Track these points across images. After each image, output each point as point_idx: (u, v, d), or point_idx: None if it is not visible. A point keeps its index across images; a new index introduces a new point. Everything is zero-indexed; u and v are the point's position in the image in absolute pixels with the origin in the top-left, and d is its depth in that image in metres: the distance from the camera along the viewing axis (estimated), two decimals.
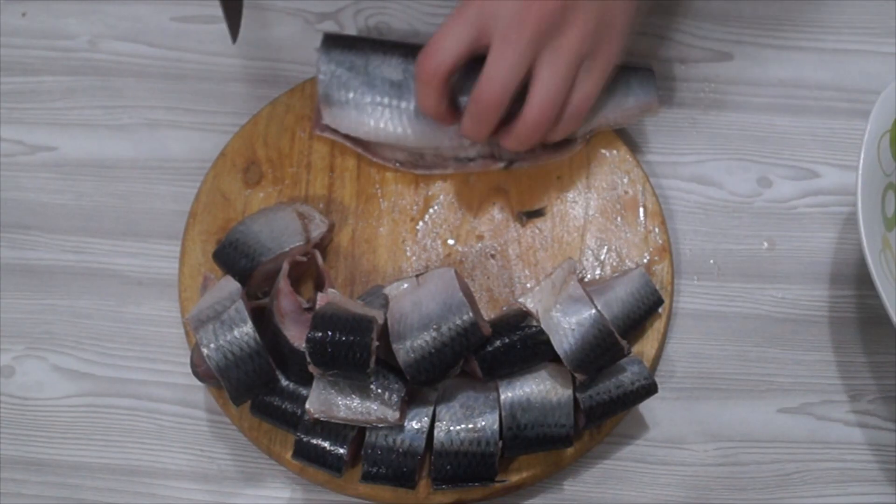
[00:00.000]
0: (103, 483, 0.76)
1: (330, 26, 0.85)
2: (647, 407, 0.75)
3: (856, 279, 0.79)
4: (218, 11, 0.86)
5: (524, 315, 0.70)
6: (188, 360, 0.71)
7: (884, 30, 0.85)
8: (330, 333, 0.65)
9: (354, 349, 0.65)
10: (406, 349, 0.67)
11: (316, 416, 0.67)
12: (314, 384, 0.68)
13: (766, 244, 0.80)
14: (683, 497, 0.75)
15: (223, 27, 0.85)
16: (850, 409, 0.76)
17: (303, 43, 0.85)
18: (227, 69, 0.85)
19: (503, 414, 0.69)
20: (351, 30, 0.85)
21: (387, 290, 0.70)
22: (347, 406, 0.67)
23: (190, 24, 0.86)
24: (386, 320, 0.68)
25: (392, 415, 0.67)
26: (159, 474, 0.76)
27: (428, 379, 0.68)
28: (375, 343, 0.65)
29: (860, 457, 0.75)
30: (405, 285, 0.70)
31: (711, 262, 0.79)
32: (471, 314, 0.67)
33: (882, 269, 0.68)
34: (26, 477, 0.76)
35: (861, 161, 0.69)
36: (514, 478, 0.72)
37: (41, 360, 0.78)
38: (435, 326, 0.67)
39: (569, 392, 0.69)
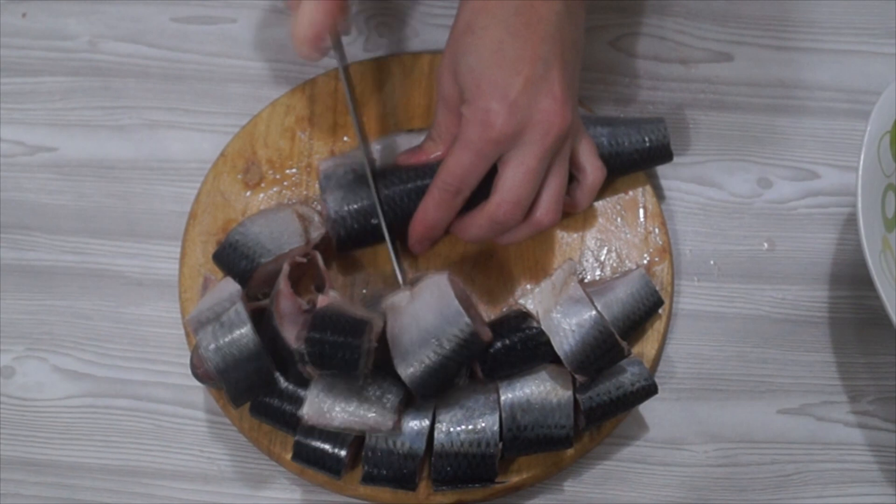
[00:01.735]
0: (103, 484, 0.76)
1: None
2: (648, 408, 0.75)
3: (856, 280, 0.78)
4: (218, 12, 0.86)
5: (524, 316, 0.70)
6: (188, 362, 0.71)
7: (884, 30, 0.84)
8: (327, 334, 0.65)
9: (344, 350, 0.65)
10: (408, 366, 0.67)
11: (311, 423, 0.67)
12: (309, 390, 0.68)
13: (766, 245, 0.80)
14: (683, 498, 0.75)
15: (223, 27, 0.86)
16: (849, 409, 0.76)
17: None
18: (227, 69, 0.85)
19: (503, 415, 0.69)
20: (351, 30, 0.85)
21: (383, 306, 0.70)
22: (343, 413, 0.67)
23: (190, 24, 0.86)
24: (385, 327, 0.68)
25: (387, 423, 0.67)
26: (159, 475, 0.76)
27: (434, 392, 0.68)
28: (371, 345, 0.65)
29: (860, 458, 0.75)
30: (402, 297, 0.69)
31: (711, 262, 0.79)
32: (469, 323, 0.67)
33: (882, 270, 0.68)
34: (26, 477, 0.76)
35: (861, 162, 0.69)
36: (514, 479, 0.72)
37: (41, 361, 0.78)
38: (435, 341, 0.66)
39: (569, 393, 0.69)
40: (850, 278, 0.79)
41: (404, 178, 0.72)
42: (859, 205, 0.68)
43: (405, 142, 0.76)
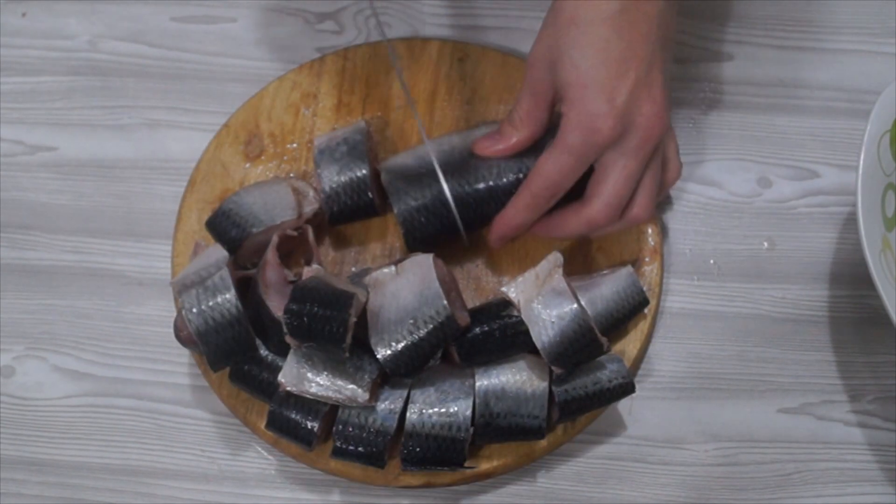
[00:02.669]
0: (103, 483, 0.76)
1: (330, 26, 0.85)
2: (648, 407, 0.76)
3: (856, 279, 0.78)
4: (217, 12, 0.86)
5: (506, 304, 0.70)
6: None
7: (884, 30, 0.84)
8: (308, 306, 0.65)
9: (331, 323, 0.65)
10: (384, 343, 0.67)
11: (288, 388, 0.68)
12: (289, 357, 0.68)
13: (766, 244, 0.80)
14: (683, 497, 0.75)
15: (223, 27, 0.86)
16: (850, 409, 0.76)
17: (303, 43, 0.85)
18: (227, 69, 0.85)
19: (476, 401, 0.69)
20: (351, 29, 0.85)
21: (367, 280, 0.70)
22: (319, 383, 0.68)
23: (190, 24, 0.86)
24: (367, 301, 0.68)
25: (362, 396, 0.67)
26: (159, 474, 0.76)
27: (406, 372, 0.68)
28: (353, 319, 0.65)
29: (860, 457, 0.75)
30: (385, 271, 0.70)
31: (712, 262, 0.79)
32: (446, 306, 0.67)
33: (882, 269, 0.68)
34: (26, 477, 0.76)
35: (861, 161, 0.69)
36: (483, 465, 0.72)
37: (41, 361, 0.78)
38: (411, 320, 0.67)
39: (544, 385, 0.69)
40: (851, 277, 0.79)
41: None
42: (859, 204, 0.68)
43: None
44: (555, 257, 0.70)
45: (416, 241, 0.73)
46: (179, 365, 0.77)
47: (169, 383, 0.77)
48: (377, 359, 0.67)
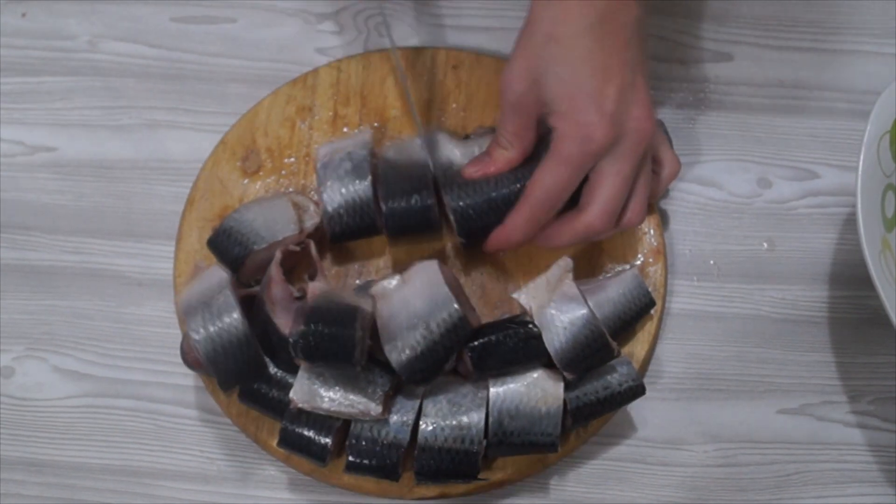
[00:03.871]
0: (103, 484, 0.76)
1: (330, 27, 0.85)
2: (648, 408, 0.76)
3: (855, 280, 0.78)
4: (217, 12, 0.86)
5: (516, 317, 0.70)
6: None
7: (884, 30, 0.84)
8: (314, 327, 0.65)
9: (338, 341, 0.65)
10: (398, 350, 0.67)
11: (300, 405, 0.67)
12: (300, 373, 0.68)
13: (765, 245, 0.80)
14: (683, 498, 0.75)
15: (223, 27, 0.86)
16: (849, 409, 0.76)
17: (303, 43, 0.85)
18: (227, 69, 0.85)
19: (490, 419, 0.69)
20: (351, 30, 0.85)
21: (373, 291, 0.70)
22: (331, 398, 0.67)
23: (190, 24, 0.86)
24: (374, 315, 0.68)
25: (375, 409, 0.67)
26: (159, 475, 0.76)
27: (423, 377, 0.68)
28: (360, 333, 0.65)
29: (860, 458, 0.75)
30: (392, 283, 0.70)
31: (711, 262, 0.79)
32: (457, 307, 0.67)
33: (882, 270, 0.68)
34: (26, 477, 0.76)
35: (861, 162, 0.69)
36: (498, 475, 0.72)
37: (41, 361, 0.78)
38: (423, 325, 0.67)
39: (559, 403, 0.69)
40: (850, 278, 0.79)
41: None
42: (859, 205, 0.68)
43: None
44: (565, 262, 0.70)
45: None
46: (179, 366, 0.76)
47: (168, 384, 0.77)
48: (389, 370, 0.67)
